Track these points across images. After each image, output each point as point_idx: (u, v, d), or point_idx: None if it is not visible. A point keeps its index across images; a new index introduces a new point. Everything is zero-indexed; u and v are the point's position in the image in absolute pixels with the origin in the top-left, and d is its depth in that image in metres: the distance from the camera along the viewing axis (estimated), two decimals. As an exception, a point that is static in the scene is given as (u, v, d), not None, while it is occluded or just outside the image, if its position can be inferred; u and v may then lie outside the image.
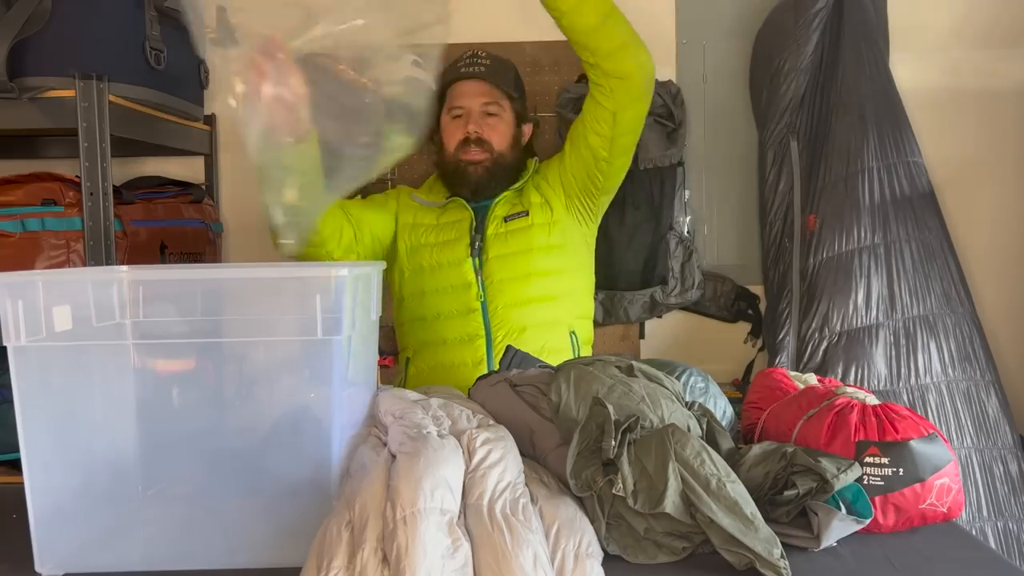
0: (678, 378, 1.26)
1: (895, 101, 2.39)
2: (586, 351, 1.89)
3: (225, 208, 2.57)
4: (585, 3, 1.59)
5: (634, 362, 1.13)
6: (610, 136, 1.72)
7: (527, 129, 1.92)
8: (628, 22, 1.67)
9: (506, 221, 1.80)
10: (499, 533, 0.81)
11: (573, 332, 1.83)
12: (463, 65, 1.84)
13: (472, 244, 1.77)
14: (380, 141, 1.14)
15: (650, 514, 0.91)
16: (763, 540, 0.87)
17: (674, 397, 1.08)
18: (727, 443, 1.07)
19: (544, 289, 1.79)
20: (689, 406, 1.11)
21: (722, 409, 1.28)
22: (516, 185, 1.85)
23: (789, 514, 0.97)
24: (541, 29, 2.58)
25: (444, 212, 1.82)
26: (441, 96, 1.86)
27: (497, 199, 1.82)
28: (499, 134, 1.82)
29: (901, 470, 1.01)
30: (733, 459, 1.01)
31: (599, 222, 1.94)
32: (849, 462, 0.99)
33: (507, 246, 1.78)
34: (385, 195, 1.93)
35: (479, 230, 1.79)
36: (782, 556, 0.86)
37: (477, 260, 1.77)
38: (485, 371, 1.73)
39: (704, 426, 1.07)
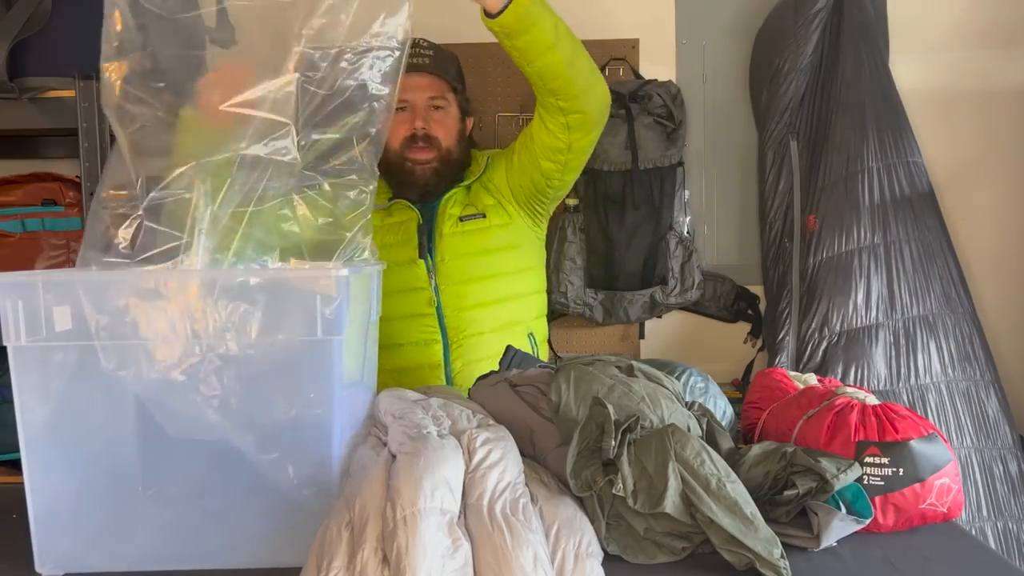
0: (678, 378, 1.26)
1: (895, 101, 2.39)
2: (543, 350, 1.85)
3: (225, 208, 2.57)
4: (559, 42, 1.50)
5: (634, 362, 1.13)
6: (564, 161, 1.70)
7: (469, 122, 1.87)
8: (588, 53, 1.60)
9: (462, 221, 1.73)
10: (499, 533, 0.81)
11: (531, 333, 1.79)
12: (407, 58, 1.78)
13: (421, 246, 1.69)
14: None
15: (650, 514, 0.91)
16: (763, 540, 0.87)
17: (674, 397, 1.08)
18: (727, 443, 1.07)
19: (503, 291, 1.73)
20: (689, 406, 1.11)
21: (722, 409, 1.28)
22: (465, 182, 1.78)
23: (789, 514, 0.97)
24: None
25: (389, 214, 1.74)
26: None
27: (445, 197, 1.74)
28: (446, 129, 1.75)
29: (901, 470, 1.01)
30: (733, 459, 1.02)
31: (547, 220, 1.91)
32: (849, 462, 0.99)
33: (464, 246, 1.71)
34: None
35: (427, 231, 1.71)
36: (782, 556, 0.86)
37: (430, 261, 1.69)
38: (443, 375, 1.69)
39: (704, 426, 1.07)
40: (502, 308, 1.73)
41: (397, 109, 1.69)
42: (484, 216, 1.75)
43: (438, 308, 1.68)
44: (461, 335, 1.69)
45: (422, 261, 1.69)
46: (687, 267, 2.44)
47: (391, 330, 1.67)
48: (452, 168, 1.76)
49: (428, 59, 1.73)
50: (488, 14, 1.44)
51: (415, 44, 1.75)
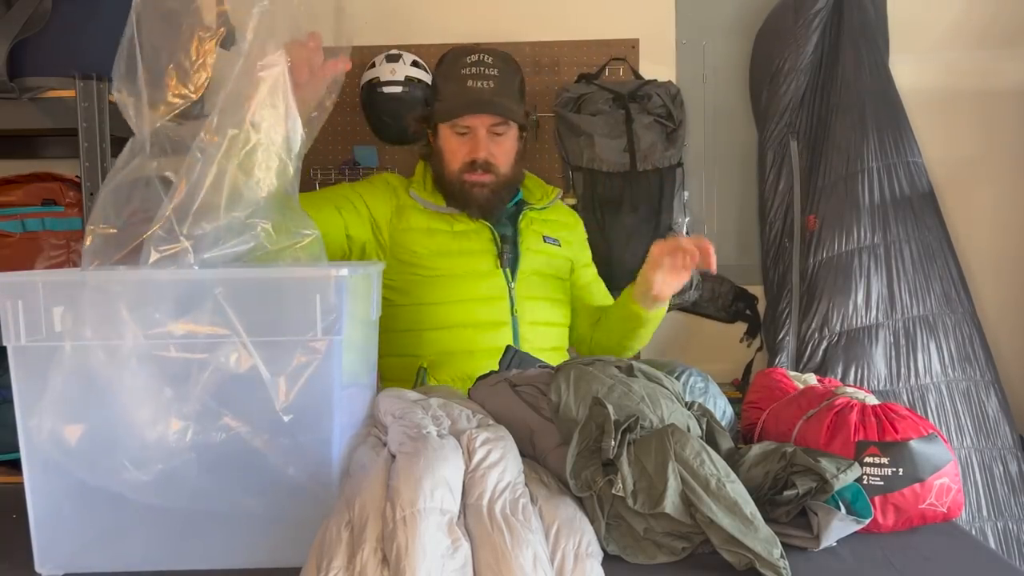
0: (678, 378, 1.26)
1: (895, 101, 2.39)
2: None
3: (225, 208, 2.56)
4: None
5: (634, 362, 1.13)
6: None
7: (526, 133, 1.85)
8: None
9: (545, 241, 1.78)
10: (499, 533, 0.81)
11: None
12: (470, 76, 1.69)
13: (501, 256, 1.71)
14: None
15: (650, 514, 0.92)
16: (763, 540, 0.87)
17: (674, 397, 1.08)
18: (727, 443, 1.07)
19: (558, 315, 1.77)
20: (689, 406, 1.11)
21: (722, 409, 1.28)
22: (538, 206, 1.80)
23: (789, 514, 0.97)
24: (541, 29, 2.60)
25: (455, 220, 1.73)
26: (434, 91, 1.76)
27: (524, 212, 1.77)
28: (504, 153, 1.72)
29: (901, 470, 1.01)
30: (733, 459, 1.02)
31: None
32: (849, 462, 0.99)
33: (543, 265, 1.75)
34: (369, 190, 1.73)
35: (511, 241, 1.73)
36: (782, 556, 0.86)
37: (509, 272, 1.70)
38: None
39: (704, 426, 1.07)
40: (556, 330, 1.77)
41: (457, 132, 1.69)
42: (559, 244, 1.80)
43: (514, 319, 1.69)
44: (528, 347, 1.67)
45: (501, 271, 1.70)
46: (687, 267, 2.44)
47: (467, 336, 1.67)
48: (508, 189, 1.77)
49: (493, 82, 1.69)
50: (644, 304, 1.65)
51: (479, 62, 1.71)
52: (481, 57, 1.72)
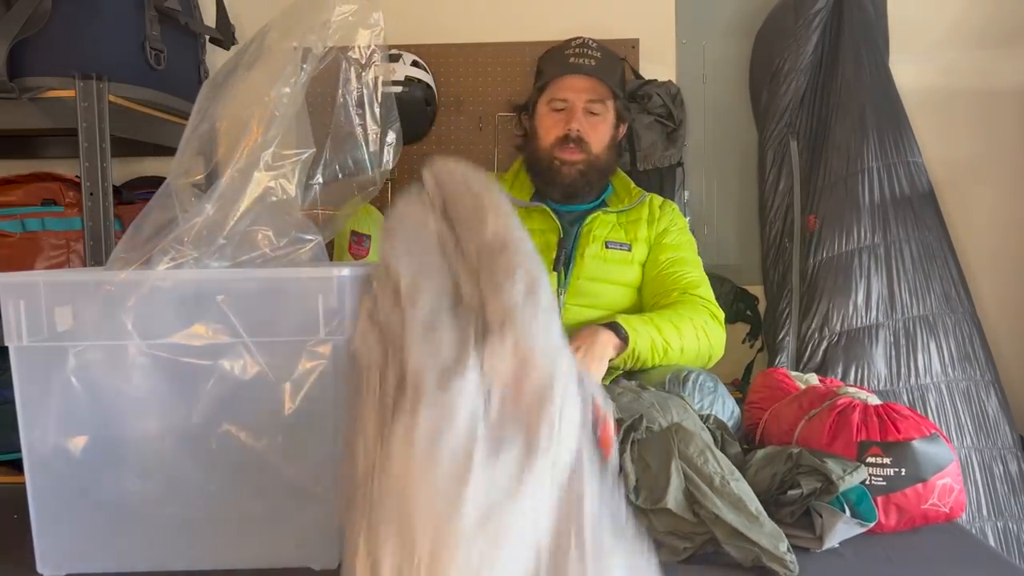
0: (686, 378, 1.26)
1: (895, 101, 2.39)
2: None
3: (225, 208, 2.56)
4: (663, 359, 1.47)
5: (643, 383, 1.13)
6: None
7: (622, 129, 1.82)
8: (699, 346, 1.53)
9: (607, 247, 1.68)
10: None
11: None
12: (572, 55, 1.71)
13: (557, 259, 1.65)
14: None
15: (651, 511, 0.91)
16: (768, 534, 0.87)
17: (688, 407, 1.08)
18: (735, 450, 1.07)
19: None
20: (704, 419, 1.10)
21: (730, 410, 1.28)
22: (616, 208, 1.73)
23: (794, 514, 0.97)
24: (541, 29, 2.60)
25: (529, 216, 1.69)
26: (536, 78, 1.76)
27: (591, 217, 1.70)
28: (599, 135, 1.71)
29: (903, 470, 1.01)
30: (739, 462, 1.01)
31: None
32: (855, 464, 0.99)
33: (601, 272, 1.66)
34: None
35: (568, 247, 1.66)
36: (788, 550, 0.86)
37: (562, 275, 1.64)
38: None
39: (719, 438, 1.07)
40: None
41: (554, 108, 1.69)
42: (630, 248, 1.70)
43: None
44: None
45: (555, 274, 1.64)
46: (687, 267, 2.44)
47: None
48: (598, 174, 1.72)
49: (595, 61, 1.70)
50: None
51: (583, 43, 1.74)
52: (586, 40, 1.75)
